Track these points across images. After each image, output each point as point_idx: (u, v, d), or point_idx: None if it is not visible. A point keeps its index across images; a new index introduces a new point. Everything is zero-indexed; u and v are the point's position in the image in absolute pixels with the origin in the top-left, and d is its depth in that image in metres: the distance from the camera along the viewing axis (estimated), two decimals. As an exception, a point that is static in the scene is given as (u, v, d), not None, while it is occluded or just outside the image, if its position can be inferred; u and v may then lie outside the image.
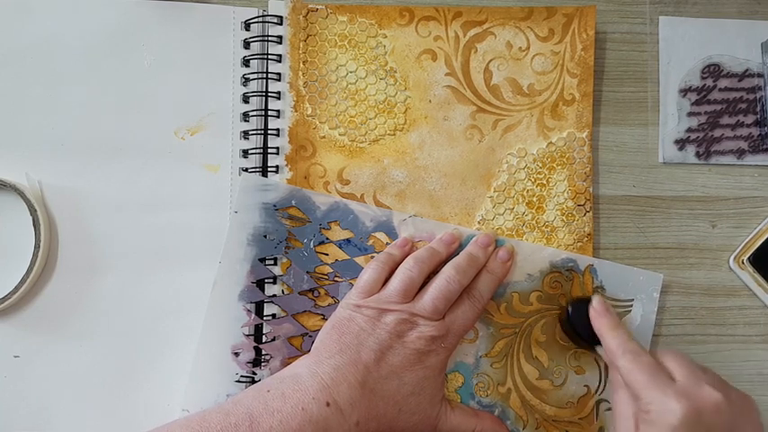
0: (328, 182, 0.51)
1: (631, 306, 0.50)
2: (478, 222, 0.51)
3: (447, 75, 0.51)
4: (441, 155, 0.51)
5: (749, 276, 0.52)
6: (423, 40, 0.51)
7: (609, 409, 0.50)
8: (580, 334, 0.49)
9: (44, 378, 0.50)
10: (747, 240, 0.52)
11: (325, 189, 0.51)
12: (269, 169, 0.51)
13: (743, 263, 0.51)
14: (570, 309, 0.49)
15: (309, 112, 0.51)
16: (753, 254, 0.51)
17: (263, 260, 0.50)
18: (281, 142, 0.51)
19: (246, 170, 0.51)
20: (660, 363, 0.44)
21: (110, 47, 0.51)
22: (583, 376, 0.50)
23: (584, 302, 0.49)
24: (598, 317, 0.47)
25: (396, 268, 0.48)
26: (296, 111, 0.51)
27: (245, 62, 0.51)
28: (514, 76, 0.51)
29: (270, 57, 0.51)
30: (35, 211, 0.49)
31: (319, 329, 0.48)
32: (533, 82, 0.51)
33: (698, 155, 0.53)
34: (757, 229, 0.52)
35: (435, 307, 0.46)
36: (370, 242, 0.51)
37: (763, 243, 0.51)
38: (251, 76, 0.51)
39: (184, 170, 0.51)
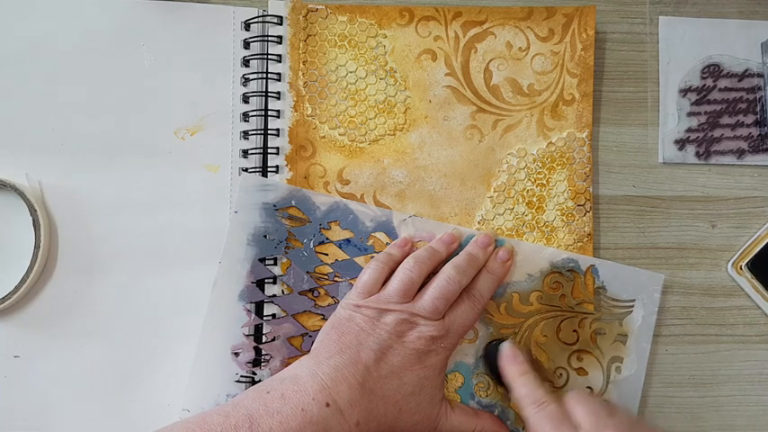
0: (328, 182, 0.51)
1: (633, 307, 0.50)
2: (478, 222, 0.51)
3: (447, 75, 0.51)
4: (441, 155, 0.51)
5: (747, 282, 0.51)
6: (423, 40, 0.51)
7: (609, 409, 0.50)
8: (495, 377, 0.49)
9: (44, 378, 0.50)
10: (746, 246, 0.52)
11: (325, 189, 0.51)
12: (269, 169, 0.51)
13: (741, 269, 0.51)
14: (485, 351, 0.50)
15: (309, 112, 0.51)
16: (751, 260, 0.51)
17: (263, 260, 0.50)
18: (281, 142, 0.51)
19: (246, 170, 0.51)
20: (567, 410, 0.44)
21: (110, 47, 0.51)
22: (585, 378, 0.50)
23: (498, 345, 0.49)
24: (507, 364, 0.47)
25: (395, 268, 0.48)
26: (296, 111, 0.51)
27: (245, 62, 0.51)
28: (514, 76, 0.51)
29: (270, 57, 0.51)
30: (35, 211, 0.49)
31: (319, 329, 0.48)
32: (533, 82, 0.51)
33: (698, 155, 0.52)
34: (756, 236, 0.52)
35: (435, 307, 0.46)
36: (370, 242, 0.51)
37: (762, 249, 0.51)
38: (251, 76, 0.51)
39: (184, 170, 0.51)
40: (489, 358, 0.49)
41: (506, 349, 0.48)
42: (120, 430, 0.50)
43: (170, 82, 0.51)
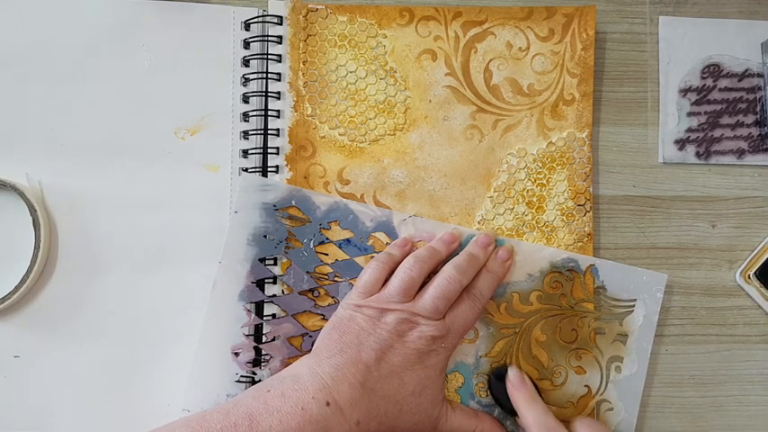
0: (328, 182, 0.51)
1: (634, 306, 0.50)
2: (478, 222, 0.51)
3: (447, 75, 0.51)
4: (441, 155, 0.51)
5: (756, 291, 0.51)
6: (423, 40, 0.51)
7: (610, 409, 0.50)
8: (501, 404, 0.49)
9: (44, 378, 0.50)
10: (754, 254, 0.51)
11: (325, 189, 0.51)
12: (269, 169, 0.51)
13: (749, 277, 0.51)
14: (491, 378, 0.50)
15: (309, 112, 0.51)
16: (759, 268, 0.51)
17: (263, 260, 0.50)
18: (281, 142, 0.51)
19: (246, 170, 0.51)
20: None
21: (110, 47, 0.51)
22: (583, 376, 0.50)
23: (504, 372, 0.49)
24: (514, 390, 0.48)
25: (396, 268, 0.48)
26: (296, 111, 0.51)
27: (245, 62, 0.51)
28: (514, 76, 0.51)
29: (270, 57, 0.51)
30: (35, 211, 0.49)
31: (319, 329, 0.48)
32: (533, 82, 0.51)
33: (698, 155, 0.53)
34: (764, 243, 0.51)
35: (436, 306, 0.46)
36: (370, 242, 0.51)
37: None
38: (251, 76, 0.51)
39: (184, 170, 0.51)
40: (495, 384, 0.49)
41: (513, 376, 0.48)
42: (120, 430, 0.50)
43: (170, 82, 0.51)
